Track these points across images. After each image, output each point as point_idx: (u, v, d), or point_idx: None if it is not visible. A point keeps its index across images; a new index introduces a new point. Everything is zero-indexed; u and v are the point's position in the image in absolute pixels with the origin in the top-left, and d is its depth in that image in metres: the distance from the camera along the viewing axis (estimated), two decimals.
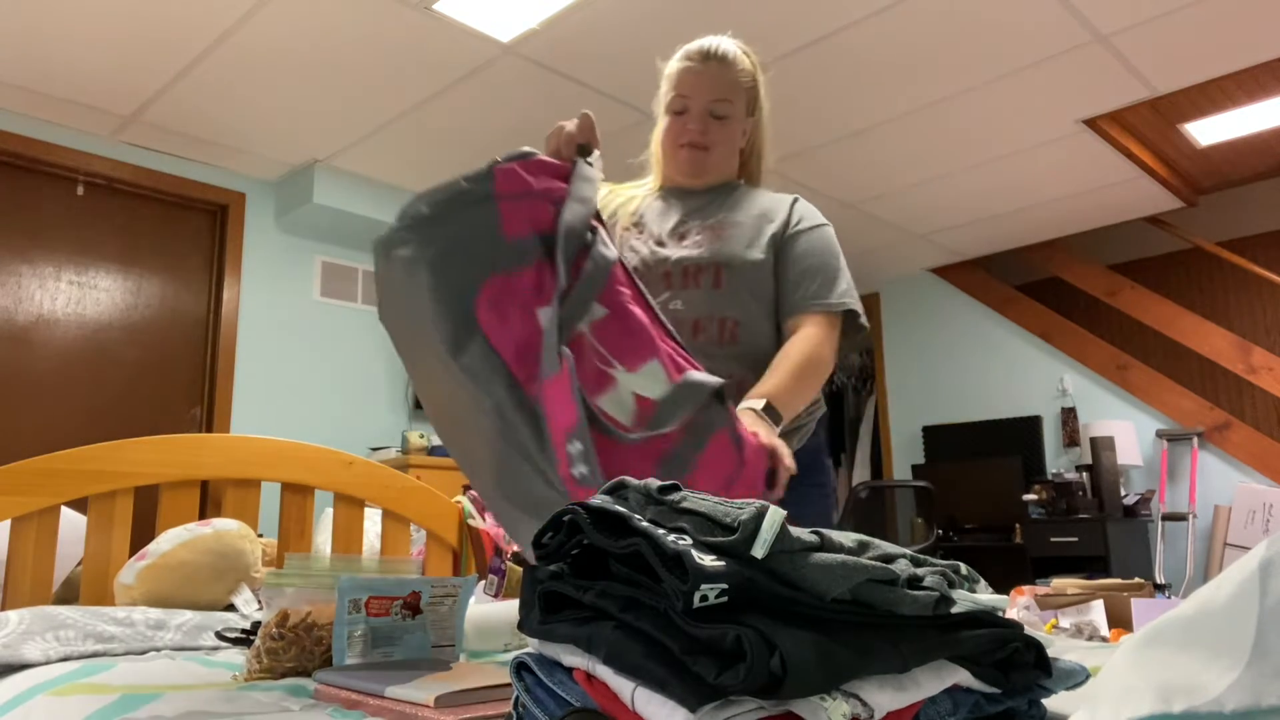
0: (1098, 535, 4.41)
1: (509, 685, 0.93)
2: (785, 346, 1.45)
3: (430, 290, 1.03)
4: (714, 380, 1.18)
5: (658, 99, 1.61)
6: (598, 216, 1.22)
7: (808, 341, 1.45)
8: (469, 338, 1.03)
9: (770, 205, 1.58)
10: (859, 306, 1.53)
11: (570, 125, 1.26)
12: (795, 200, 1.59)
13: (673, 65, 1.57)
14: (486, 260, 1.08)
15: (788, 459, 1.23)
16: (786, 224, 1.54)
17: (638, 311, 1.19)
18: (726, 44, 1.55)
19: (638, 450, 1.11)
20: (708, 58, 1.53)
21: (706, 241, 1.51)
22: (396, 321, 1.12)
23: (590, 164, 1.22)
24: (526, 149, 1.17)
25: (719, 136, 1.54)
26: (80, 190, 3.83)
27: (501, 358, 1.04)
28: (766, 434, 1.26)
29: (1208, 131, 4.23)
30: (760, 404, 1.32)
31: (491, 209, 1.10)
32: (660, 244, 1.54)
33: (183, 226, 4.12)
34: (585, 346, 1.13)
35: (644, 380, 1.15)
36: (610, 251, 1.19)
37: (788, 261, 1.53)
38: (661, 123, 1.60)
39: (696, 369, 1.21)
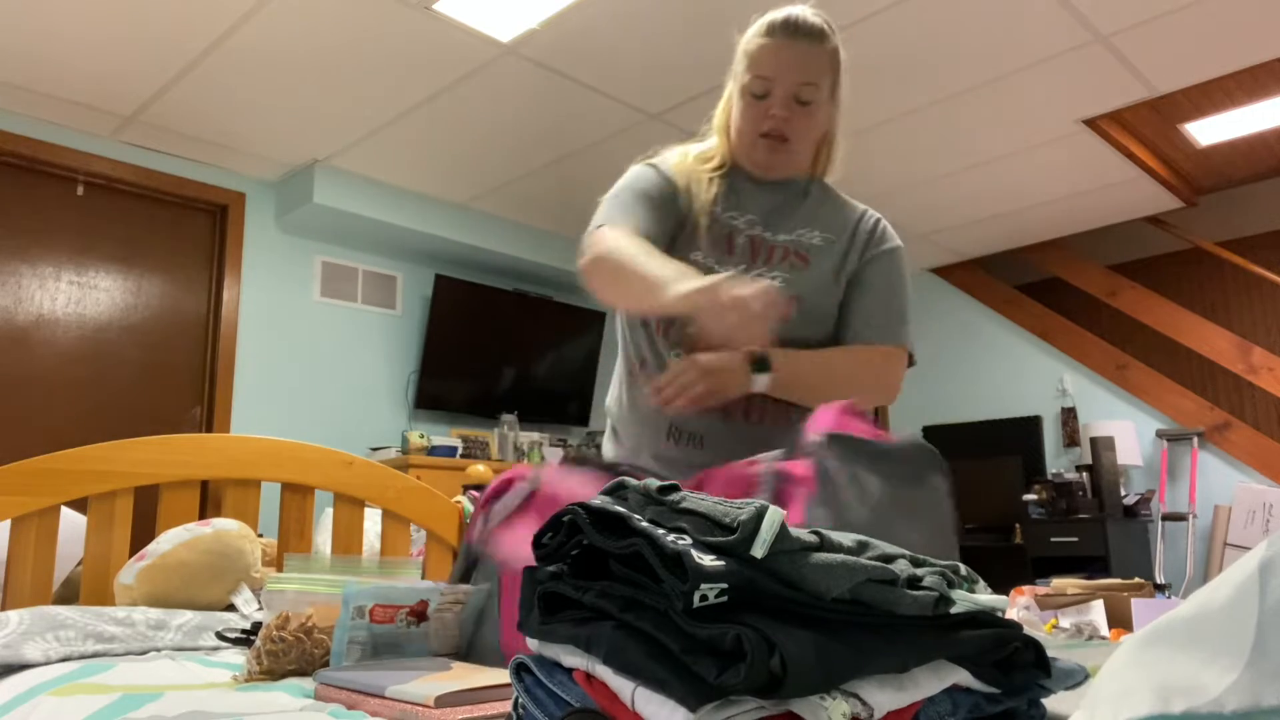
0: (1098, 535, 4.41)
1: (509, 685, 0.93)
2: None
3: None
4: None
5: (731, 74, 1.44)
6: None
7: (860, 353, 1.41)
8: None
9: (846, 220, 1.49)
10: (913, 347, 1.46)
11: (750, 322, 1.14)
12: (877, 221, 1.50)
13: (752, 40, 1.39)
14: None
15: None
16: (866, 246, 1.47)
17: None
18: (813, 15, 1.37)
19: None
20: (795, 33, 1.35)
21: (785, 267, 1.42)
22: None
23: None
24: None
25: (802, 128, 1.40)
26: (80, 190, 3.83)
27: None
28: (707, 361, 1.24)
29: (1208, 131, 4.23)
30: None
31: None
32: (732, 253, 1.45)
33: (183, 226, 4.12)
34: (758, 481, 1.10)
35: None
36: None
37: (861, 285, 1.45)
38: (735, 102, 1.43)
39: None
